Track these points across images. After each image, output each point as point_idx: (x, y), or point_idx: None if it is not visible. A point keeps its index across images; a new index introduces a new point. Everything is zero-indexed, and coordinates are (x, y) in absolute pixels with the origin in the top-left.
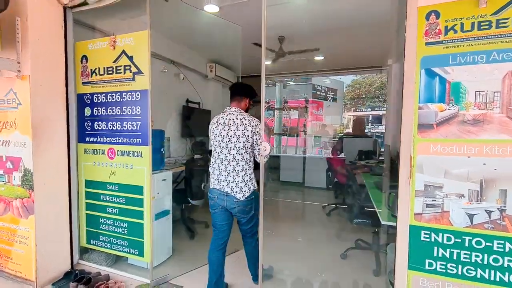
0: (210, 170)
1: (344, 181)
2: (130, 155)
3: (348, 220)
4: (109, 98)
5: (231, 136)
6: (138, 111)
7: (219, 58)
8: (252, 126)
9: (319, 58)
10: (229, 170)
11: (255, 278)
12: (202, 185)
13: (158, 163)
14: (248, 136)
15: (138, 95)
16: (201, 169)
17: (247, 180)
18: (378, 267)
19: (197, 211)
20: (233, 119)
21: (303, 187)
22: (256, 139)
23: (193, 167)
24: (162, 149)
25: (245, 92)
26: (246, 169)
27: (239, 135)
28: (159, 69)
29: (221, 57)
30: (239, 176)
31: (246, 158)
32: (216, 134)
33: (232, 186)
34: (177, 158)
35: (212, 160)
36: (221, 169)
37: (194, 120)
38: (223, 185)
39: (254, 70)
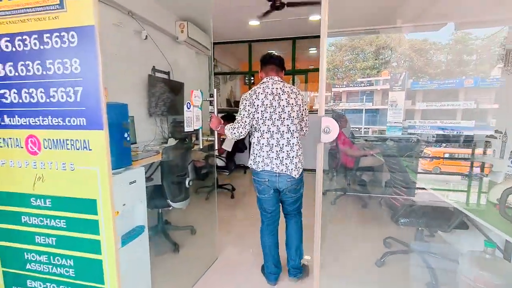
0: (256, 149)
1: (352, 164)
2: (68, 146)
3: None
4: (19, 44)
5: (283, 105)
6: (77, 68)
7: (192, 16)
8: (302, 96)
9: (314, 18)
10: (282, 144)
11: (295, 273)
12: (187, 182)
13: (122, 158)
14: (299, 105)
15: (73, 37)
16: (184, 158)
17: (300, 155)
18: (435, 280)
19: (178, 213)
20: (281, 88)
21: None
22: (305, 111)
23: (173, 156)
24: (126, 135)
25: (282, 64)
26: (299, 143)
27: (292, 104)
28: (111, 22)
29: (194, 15)
30: (293, 151)
31: (299, 130)
32: (266, 105)
33: (286, 163)
34: (146, 145)
35: (257, 137)
36: (272, 145)
37: (164, 94)
38: (275, 164)
39: (231, 35)
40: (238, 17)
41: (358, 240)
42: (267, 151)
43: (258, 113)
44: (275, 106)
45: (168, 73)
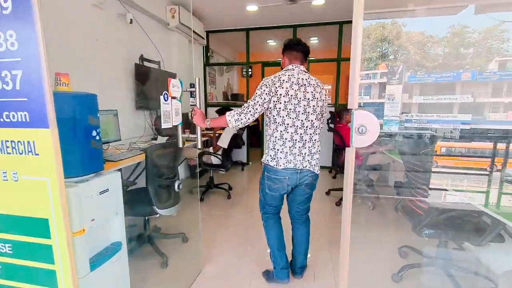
0: (278, 144)
1: (360, 162)
2: (8, 150)
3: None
4: None
5: (309, 99)
6: (13, 45)
7: (183, 0)
8: (324, 90)
9: (318, 2)
10: (305, 140)
11: (300, 272)
12: (177, 185)
13: (90, 162)
14: (323, 100)
15: (5, 1)
16: (173, 158)
17: (319, 151)
18: None
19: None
20: (307, 79)
21: None
22: (326, 105)
23: (160, 156)
24: (95, 133)
25: (307, 52)
26: (319, 139)
27: (318, 99)
28: (89, 2)
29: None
30: (315, 147)
31: (321, 126)
32: (291, 96)
33: (308, 160)
34: (133, 141)
35: (280, 131)
36: (295, 140)
37: (154, 86)
38: (298, 161)
39: (227, 22)
40: (234, 1)
41: (369, 248)
42: (289, 147)
43: (280, 103)
44: (300, 98)
45: (158, 63)
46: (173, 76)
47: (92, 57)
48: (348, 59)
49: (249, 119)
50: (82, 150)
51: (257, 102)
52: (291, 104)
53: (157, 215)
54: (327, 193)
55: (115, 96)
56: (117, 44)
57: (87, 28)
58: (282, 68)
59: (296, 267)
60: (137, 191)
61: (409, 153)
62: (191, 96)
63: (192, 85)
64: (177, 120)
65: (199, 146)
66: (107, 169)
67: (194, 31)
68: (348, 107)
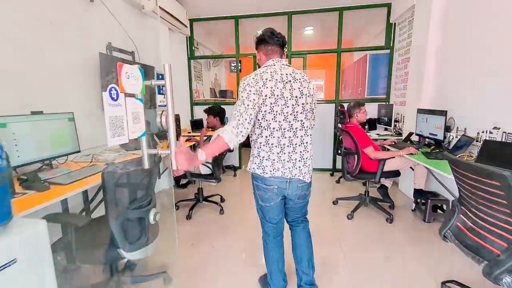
0: (264, 150)
1: (375, 168)
2: None
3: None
4: None
5: (297, 96)
6: None
7: None
8: (312, 84)
9: None
10: (296, 144)
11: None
12: (152, 216)
13: None
14: (312, 95)
15: None
16: (147, 178)
17: (312, 156)
18: None
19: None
20: (291, 74)
21: None
22: (315, 100)
23: (123, 180)
24: None
25: (284, 44)
26: (311, 142)
27: (306, 95)
28: None
29: None
30: (307, 151)
31: (312, 126)
32: (277, 96)
33: (299, 167)
34: (96, 154)
35: (265, 136)
36: (284, 145)
37: None
38: (287, 168)
39: (213, 9)
40: None
41: (398, 280)
42: (277, 153)
43: (266, 105)
44: (287, 98)
45: (132, 54)
46: (151, 70)
47: (36, 44)
48: (350, 50)
49: (248, 128)
50: None
51: (248, 106)
52: (278, 105)
53: (125, 259)
54: (335, 202)
55: (73, 94)
56: (73, 28)
57: (30, 7)
58: (259, 66)
59: (302, 282)
60: (96, 226)
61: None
62: (159, 93)
63: (160, 76)
64: (136, 131)
65: (174, 167)
66: (54, 197)
67: (174, 17)
68: None
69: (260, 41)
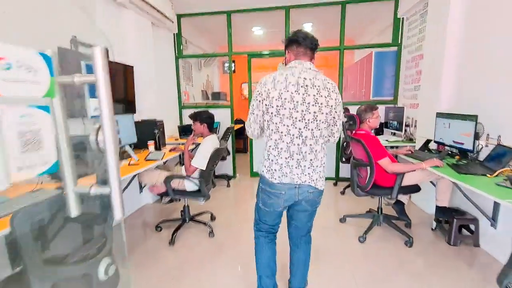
0: (273, 154)
1: (391, 183)
2: None
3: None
4: None
5: (309, 103)
6: None
7: None
8: (337, 94)
9: None
10: (305, 152)
11: None
12: (103, 270)
13: None
14: (332, 106)
15: None
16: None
17: (324, 164)
18: None
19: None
20: (310, 79)
21: None
22: (339, 113)
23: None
24: None
25: (316, 47)
26: (324, 149)
27: (321, 104)
28: None
29: None
30: (317, 159)
31: (324, 136)
32: (284, 99)
33: (309, 173)
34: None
35: (274, 139)
36: (293, 152)
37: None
38: (296, 174)
39: (203, 3)
40: None
41: None
42: (285, 158)
43: (272, 107)
44: (297, 102)
45: (106, 50)
46: (129, 70)
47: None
48: (355, 48)
49: (255, 128)
50: None
51: (254, 106)
52: (285, 108)
53: None
54: (342, 220)
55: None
56: (31, 19)
57: None
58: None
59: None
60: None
61: None
62: (91, 97)
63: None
64: (35, 164)
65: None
66: None
67: (157, 9)
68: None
69: (292, 42)
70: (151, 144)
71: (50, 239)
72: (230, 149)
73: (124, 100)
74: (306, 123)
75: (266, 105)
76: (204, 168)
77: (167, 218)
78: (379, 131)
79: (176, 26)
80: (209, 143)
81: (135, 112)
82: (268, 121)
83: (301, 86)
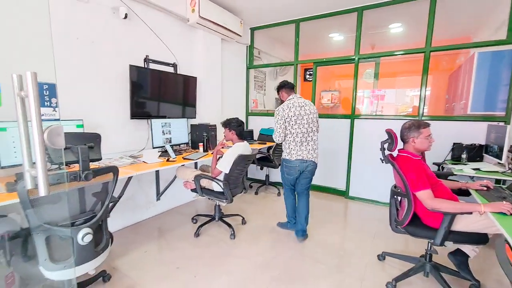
0: (291, 145)
1: (437, 223)
2: None
3: None
4: None
5: (308, 113)
6: None
7: None
8: (314, 107)
9: None
10: (308, 140)
11: (303, 234)
12: (81, 236)
13: None
14: (315, 113)
15: None
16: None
17: (317, 147)
18: None
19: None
20: (302, 102)
21: (347, 197)
22: (317, 117)
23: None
24: None
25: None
26: (317, 139)
27: (312, 112)
28: None
29: None
30: (315, 144)
31: (316, 130)
32: (297, 115)
33: (311, 153)
34: (126, 153)
35: (293, 137)
36: (302, 141)
37: (159, 91)
38: (304, 154)
39: (273, 15)
40: None
41: None
42: (299, 146)
43: (291, 121)
44: (302, 115)
45: (174, 65)
46: (192, 80)
47: (74, 59)
48: (445, 49)
49: (280, 135)
50: None
51: (280, 123)
52: (298, 119)
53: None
54: (380, 257)
55: (105, 104)
56: (108, 43)
57: (67, 25)
58: (282, 100)
59: (299, 229)
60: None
61: None
62: (42, 106)
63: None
64: None
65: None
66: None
67: (224, 27)
68: None
69: (283, 87)
70: (200, 145)
71: (48, 208)
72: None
73: (185, 105)
74: (308, 124)
75: (287, 121)
76: (227, 172)
77: (201, 213)
78: (475, 156)
79: (249, 38)
80: (235, 149)
81: (195, 117)
82: (289, 128)
83: (301, 107)
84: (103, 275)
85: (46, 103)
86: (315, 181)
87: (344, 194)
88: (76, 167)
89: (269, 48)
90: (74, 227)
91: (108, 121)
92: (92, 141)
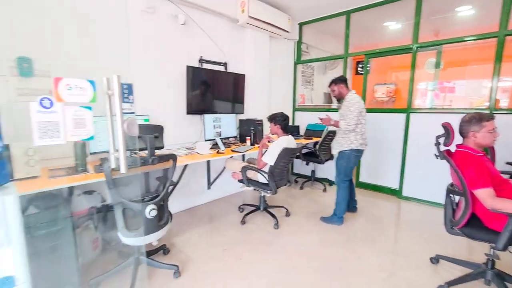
0: (359, 134)
1: (500, 226)
2: None
3: None
4: None
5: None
6: None
7: None
8: None
9: None
10: (364, 131)
11: (354, 209)
12: (148, 210)
13: None
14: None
15: None
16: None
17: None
18: None
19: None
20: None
21: (400, 197)
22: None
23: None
24: None
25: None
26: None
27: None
28: (138, 8)
29: None
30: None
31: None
32: (362, 108)
33: (366, 144)
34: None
35: (359, 128)
36: (363, 132)
37: (210, 89)
38: (364, 141)
39: (321, 9)
40: None
41: None
42: (360, 136)
43: (361, 112)
44: (363, 109)
45: (224, 64)
46: (241, 78)
47: (142, 62)
48: None
49: (352, 124)
50: None
51: (354, 114)
52: (362, 112)
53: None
54: (434, 260)
55: (165, 102)
56: (169, 47)
57: (137, 34)
58: (341, 94)
59: (354, 207)
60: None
61: None
62: (123, 101)
63: (124, 87)
64: (79, 134)
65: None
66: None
67: (273, 25)
68: None
69: (344, 80)
70: (248, 139)
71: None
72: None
73: (234, 102)
74: (363, 117)
75: (360, 111)
76: (272, 164)
77: (247, 203)
78: None
79: (297, 34)
80: (280, 143)
81: (243, 113)
82: (360, 119)
83: (362, 101)
84: (163, 248)
85: (125, 100)
86: (363, 178)
87: (396, 193)
88: (142, 154)
89: (318, 42)
90: (143, 203)
91: (167, 117)
92: (157, 131)
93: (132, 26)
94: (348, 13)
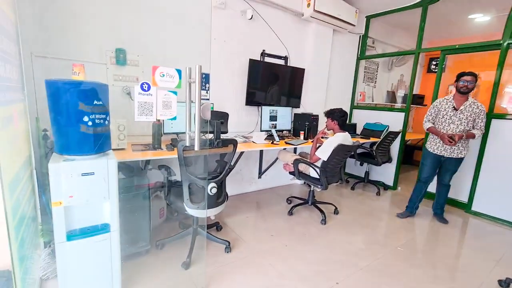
0: (435, 137)
1: None
2: None
3: None
4: None
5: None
6: None
7: None
8: None
9: None
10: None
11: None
12: (209, 188)
13: (79, 144)
14: None
15: None
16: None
17: None
18: None
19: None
20: None
21: (468, 212)
22: None
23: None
24: (87, 119)
25: None
26: None
27: None
28: (212, 4)
29: None
30: None
31: None
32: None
33: None
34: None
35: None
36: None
37: (269, 81)
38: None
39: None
40: None
41: None
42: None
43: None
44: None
45: (285, 58)
46: (300, 72)
47: (212, 55)
48: None
49: (428, 122)
50: (70, 132)
51: (431, 112)
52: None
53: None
54: (503, 284)
55: (228, 92)
56: (236, 40)
57: (209, 29)
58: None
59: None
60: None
61: None
62: (204, 89)
63: (204, 76)
64: (165, 114)
65: (196, 148)
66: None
67: (338, 18)
68: None
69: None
70: (301, 133)
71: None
72: (395, 156)
73: (291, 96)
74: None
75: (435, 112)
76: (325, 159)
77: (295, 196)
78: None
79: (363, 27)
80: (336, 139)
81: (298, 107)
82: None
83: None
84: (217, 225)
85: (203, 87)
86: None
87: (465, 207)
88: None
89: (386, 36)
90: (206, 180)
91: (229, 106)
92: (222, 118)
93: (207, 22)
94: (425, 4)
